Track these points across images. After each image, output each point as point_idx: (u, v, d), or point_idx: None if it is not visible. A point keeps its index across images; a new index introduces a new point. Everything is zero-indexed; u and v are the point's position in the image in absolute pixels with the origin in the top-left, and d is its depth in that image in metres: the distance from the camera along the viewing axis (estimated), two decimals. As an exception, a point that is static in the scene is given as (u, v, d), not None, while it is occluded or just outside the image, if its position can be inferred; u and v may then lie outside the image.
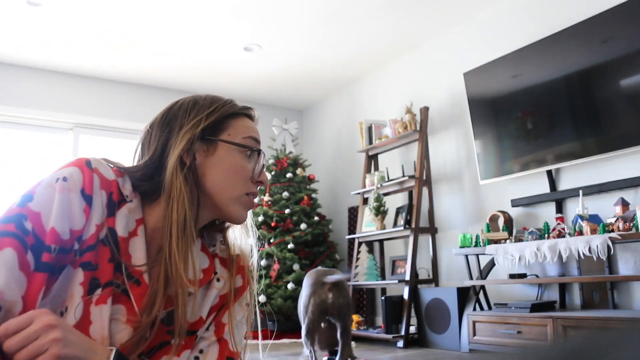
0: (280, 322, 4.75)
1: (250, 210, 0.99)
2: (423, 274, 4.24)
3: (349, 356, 3.05)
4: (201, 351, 0.94)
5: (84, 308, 0.79)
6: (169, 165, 0.89)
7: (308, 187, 5.15)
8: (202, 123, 0.92)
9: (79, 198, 0.80)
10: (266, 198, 4.96)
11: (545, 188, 3.43)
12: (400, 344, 3.68)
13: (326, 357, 3.11)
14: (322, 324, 2.93)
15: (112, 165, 0.89)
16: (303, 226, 4.79)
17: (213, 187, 0.92)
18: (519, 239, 3.21)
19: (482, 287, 3.50)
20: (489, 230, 3.45)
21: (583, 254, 2.76)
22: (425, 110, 4.24)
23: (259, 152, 0.97)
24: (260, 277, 4.67)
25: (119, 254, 0.83)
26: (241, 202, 0.94)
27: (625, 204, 2.87)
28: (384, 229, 4.22)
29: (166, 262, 0.85)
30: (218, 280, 0.97)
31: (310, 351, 2.85)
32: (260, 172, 0.97)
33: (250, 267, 1.03)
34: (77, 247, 0.80)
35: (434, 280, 4.09)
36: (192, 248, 0.88)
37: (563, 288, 3.29)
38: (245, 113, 0.99)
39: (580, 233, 2.87)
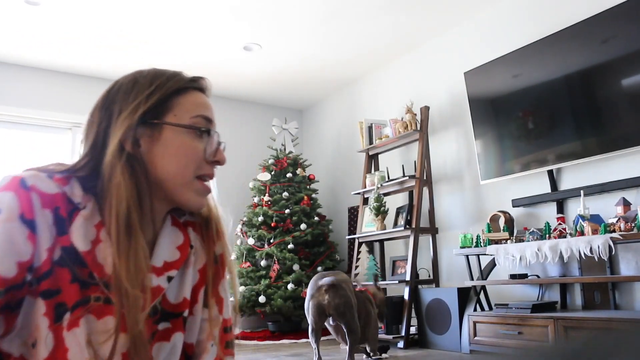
0: (280, 323, 4.75)
1: (209, 192, 0.89)
2: (423, 275, 4.23)
3: (372, 351, 3.13)
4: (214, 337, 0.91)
5: (56, 336, 0.73)
6: (106, 156, 0.80)
7: (308, 187, 5.14)
8: (141, 106, 0.83)
9: (19, 226, 0.72)
10: (266, 198, 4.96)
11: (546, 188, 3.42)
12: (401, 344, 3.67)
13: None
14: (332, 324, 3.01)
15: (52, 175, 0.79)
16: (303, 226, 4.78)
17: (162, 175, 0.83)
18: (519, 239, 3.20)
19: (483, 288, 3.49)
20: (489, 231, 3.44)
21: (584, 254, 2.75)
22: (425, 110, 4.23)
23: (209, 132, 0.87)
24: (260, 277, 4.66)
25: (89, 268, 0.76)
26: (193, 188, 0.85)
27: (626, 204, 2.86)
28: (384, 229, 4.22)
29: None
30: (193, 255, 0.91)
31: (315, 348, 2.98)
32: (216, 151, 0.87)
33: (224, 230, 0.97)
34: (30, 277, 0.73)
35: (435, 280, 4.09)
36: (138, 246, 0.79)
37: (564, 288, 3.28)
38: (193, 87, 0.89)
39: (582, 233, 2.86)
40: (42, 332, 0.73)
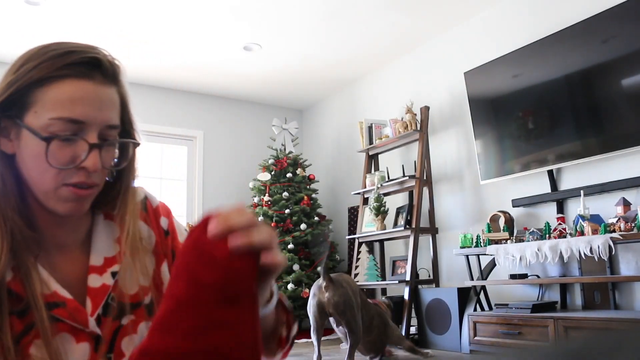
0: (280, 323, 4.75)
1: (85, 197, 0.75)
2: (423, 275, 4.23)
3: (409, 349, 3.14)
4: None
5: None
6: None
7: (308, 187, 5.14)
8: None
9: None
10: (266, 198, 4.96)
11: (546, 188, 3.43)
12: (401, 344, 3.67)
13: None
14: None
15: None
16: (303, 226, 4.78)
17: (27, 178, 0.73)
18: (519, 239, 3.20)
19: (483, 288, 3.49)
20: (489, 231, 3.44)
21: (584, 254, 2.75)
22: (425, 110, 4.23)
23: (68, 138, 0.71)
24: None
25: (21, 295, 0.70)
26: (59, 196, 0.73)
27: (626, 204, 2.86)
28: (384, 229, 4.22)
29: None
30: (141, 239, 0.84)
31: (316, 347, 2.97)
32: (86, 158, 0.72)
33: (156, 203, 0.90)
34: None
35: (435, 280, 4.09)
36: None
37: (564, 288, 3.28)
38: (70, 74, 0.71)
39: (582, 233, 2.86)
40: None
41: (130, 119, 0.81)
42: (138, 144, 0.80)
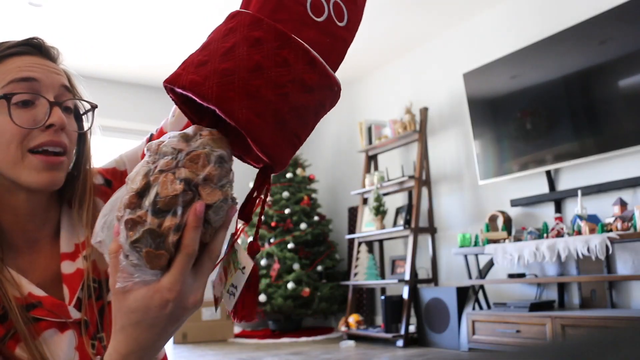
0: (281, 322, 4.77)
1: (55, 163, 0.74)
2: (422, 274, 4.26)
3: None
4: None
5: None
6: None
7: (308, 187, 5.16)
8: None
9: None
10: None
11: (544, 188, 3.45)
12: (400, 343, 3.70)
13: None
14: None
15: None
16: (303, 226, 4.81)
17: None
18: (518, 239, 3.23)
19: (482, 287, 3.52)
20: (488, 230, 3.47)
21: (582, 253, 2.78)
22: (424, 111, 4.25)
23: (27, 101, 0.73)
24: (261, 276, 4.68)
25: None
26: (29, 166, 0.72)
27: (623, 204, 2.89)
28: (384, 228, 4.24)
29: None
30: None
31: None
32: (49, 115, 0.73)
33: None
34: None
35: (434, 279, 4.11)
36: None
37: (562, 287, 3.31)
38: (14, 53, 0.75)
39: (579, 233, 2.89)
40: None
41: (80, 94, 0.84)
42: (95, 106, 0.83)
